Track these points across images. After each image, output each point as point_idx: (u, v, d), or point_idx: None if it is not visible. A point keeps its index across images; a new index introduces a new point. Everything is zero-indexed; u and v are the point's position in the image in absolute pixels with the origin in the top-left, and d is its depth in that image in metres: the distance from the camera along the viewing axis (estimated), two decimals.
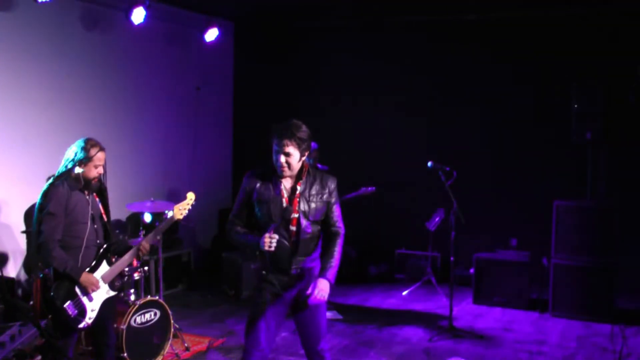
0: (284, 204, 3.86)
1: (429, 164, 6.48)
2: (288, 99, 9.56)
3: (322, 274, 3.88)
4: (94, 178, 4.35)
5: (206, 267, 8.97)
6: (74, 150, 4.33)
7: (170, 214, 5.69)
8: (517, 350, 6.07)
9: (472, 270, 7.65)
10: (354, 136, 8.96)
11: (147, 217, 6.26)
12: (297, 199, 3.87)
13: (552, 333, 6.57)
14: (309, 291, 3.82)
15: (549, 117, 8.13)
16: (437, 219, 7.91)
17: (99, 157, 4.33)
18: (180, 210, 4.80)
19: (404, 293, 8.02)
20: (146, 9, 7.24)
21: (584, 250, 6.93)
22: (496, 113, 8.47)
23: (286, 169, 3.84)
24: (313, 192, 3.92)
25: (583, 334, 6.53)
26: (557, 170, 8.07)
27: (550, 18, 8.06)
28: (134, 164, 8.02)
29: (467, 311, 7.29)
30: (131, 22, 7.26)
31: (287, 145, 3.79)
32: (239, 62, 9.92)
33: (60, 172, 4.32)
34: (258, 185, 3.92)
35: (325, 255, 3.97)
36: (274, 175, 3.90)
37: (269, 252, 3.74)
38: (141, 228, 5.97)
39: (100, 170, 4.37)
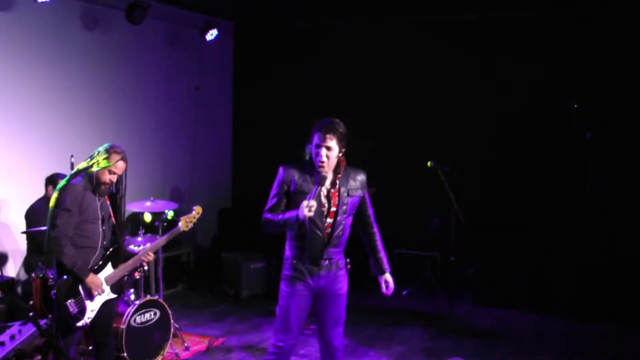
0: (322, 198, 4.01)
1: (429, 163, 6.49)
2: (288, 99, 9.57)
3: (383, 268, 4.27)
4: (104, 183, 4.37)
5: (206, 267, 8.97)
6: (97, 151, 4.39)
7: (170, 214, 5.73)
8: (516, 350, 6.07)
9: (471, 270, 7.65)
10: (354, 136, 8.93)
11: (147, 217, 6.26)
12: (337, 193, 4.05)
13: (551, 333, 6.58)
14: (384, 289, 4.25)
15: (549, 117, 8.12)
16: (436, 219, 7.91)
17: (118, 165, 4.37)
18: (187, 223, 4.91)
19: (404, 293, 8.02)
20: (146, 8, 7.25)
21: (583, 249, 6.93)
22: (496, 113, 8.45)
23: (325, 163, 3.98)
24: (350, 186, 4.11)
25: (582, 333, 6.53)
26: (557, 170, 8.06)
27: (550, 18, 8.06)
28: (133, 163, 7.90)
29: (466, 311, 7.29)
30: (131, 22, 7.26)
31: (330, 140, 3.98)
32: (239, 62, 9.92)
33: (78, 168, 4.35)
34: (296, 177, 4.04)
35: (375, 250, 4.30)
36: (312, 168, 4.04)
37: (308, 217, 3.85)
38: (141, 227, 5.98)
39: (113, 178, 4.39)
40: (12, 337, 3.16)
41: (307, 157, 4.12)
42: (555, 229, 7.07)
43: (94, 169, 4.31)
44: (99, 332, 4.54)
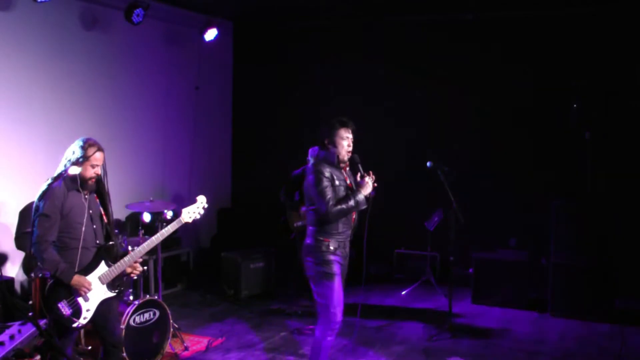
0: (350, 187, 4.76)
1: (428, 163, 6.48)
2: (287, 99, 9.57)
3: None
4: (90, 178, 4.33)
5: (205, 267, 8.97)
6: (72, 150, 4.32)
7: (169, 214, 5.67)
8: (516, 350, 6.07)
9: (471, 270, 7.65)
10: (353, 136, 8.94)
11: (146, 217, 6.25)
12: (352, 183, 4.81)
13: (551, 333, 6.58)
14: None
15: (548, 116, 8.13)
16: (436, 219, 7.91)
17: (97, 157, 4.31)
18: (189, 214, 4.82)
19: (403, 293, 8.02)
20: (145, 8, 7.24)
21: (583, 250, 6.93)
22: (496, 112, 8.46)
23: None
24: (352, 176, 4.85)
25: (582, 333, 6.53)
26: (556, 170, 8.07)
27: (550, 18, 8.06)
28: (132, 163, 8.02)
29: (466, 311, 7.29)
30: (130, 22, 7.26)
31: (352, 132, 4.84)
32: (238, 61, 9.92)
33: (58, 172, 4.31)
34: (333, 173, 4.68)
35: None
36: (334, 164, 4.73)
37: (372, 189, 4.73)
38: (140, 228, 5.97)
39: (98, 170, 4.34)
40: (12, 337, 3.16)
41: (329, 155, 4.74)
42: (554, 228, 7.06)
43: (75, 170, 4.25)
44: (104, 333, 4.47)
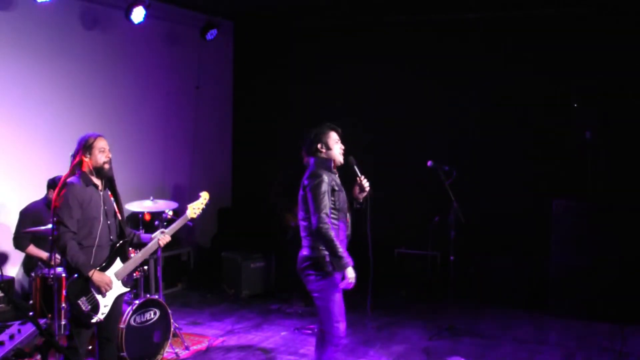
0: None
1: (429, 163, 6.48)
2: (287, 99, 9.56)
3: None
4: (104, 163, 4.41)
5: (205, 266, 8.97)
6: (75, 149, 4.42)
7: (170, 214, 5.71)
8: (516, 349, 6.07)
9: (471, 270, 7.65)
10: (353, 135, 8.92)
11: (147, 217, 6.26)
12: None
13: (551, 332, 6.58)
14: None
15: (548, 116, 8.12)
16: (436, 218, 7.90)
17: (100, 142, 4.42)
18: (194, 210, 4.91)
19: (403, 292, 8.02)
20: (146, 8, 7.25)
21: (583, 249, 6.93)
22: (495, 112, 8.45)
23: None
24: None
25: (582, 333, 6.53)
26: (556, 170, 8.06)
27: (550, 17, 8.06)
28: (133, 163, 8.02)
29: (466, 310, 7.29)
30: (131, 21, 7.27)
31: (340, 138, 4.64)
32: (239, 61, 9.92)
33: (72, 170, 4.39)
34: (330, 178, 4.48)
35: None
36: (331, 169, 4.56)
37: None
38: (141, 227, 5.98)
39: (108, 154, 4.44)
40: (12, 337, 3.16)
41: (324, 161, 4.53)
42: (555, 228, 7.06)
43: (87, 161, 4.35)
44: (104, 328, 4.52)
